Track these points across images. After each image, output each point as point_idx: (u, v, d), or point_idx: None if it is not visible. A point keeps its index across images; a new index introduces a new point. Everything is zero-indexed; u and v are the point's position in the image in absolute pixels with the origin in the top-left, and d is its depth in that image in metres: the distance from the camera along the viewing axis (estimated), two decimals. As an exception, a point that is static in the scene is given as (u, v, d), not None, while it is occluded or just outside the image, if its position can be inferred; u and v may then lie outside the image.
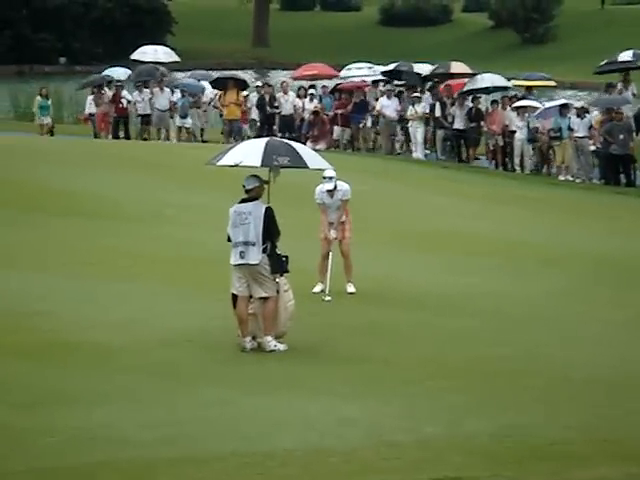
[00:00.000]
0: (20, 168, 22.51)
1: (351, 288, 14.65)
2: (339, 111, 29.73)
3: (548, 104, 27.60)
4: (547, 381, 11.10)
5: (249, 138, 28.48)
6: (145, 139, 31.15)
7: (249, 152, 12.44)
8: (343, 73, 32.27)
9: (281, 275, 12.22)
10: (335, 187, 14.53)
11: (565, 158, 26.49)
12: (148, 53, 35.53)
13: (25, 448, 8.96)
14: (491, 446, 9.10)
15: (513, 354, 12.10)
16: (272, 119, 30.37)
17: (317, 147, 26.85)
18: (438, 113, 28.51)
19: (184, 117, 31.68)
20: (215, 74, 33.80)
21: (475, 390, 10.76)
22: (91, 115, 31.46)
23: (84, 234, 17.83)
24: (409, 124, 29.05)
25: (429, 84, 30.30)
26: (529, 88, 29.97)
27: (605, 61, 30.26)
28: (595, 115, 26.72)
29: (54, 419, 9.64)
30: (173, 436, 9.23)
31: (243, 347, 12.10)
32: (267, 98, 30.53)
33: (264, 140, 12.82)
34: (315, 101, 30.32)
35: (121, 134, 31.44)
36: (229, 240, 12.26)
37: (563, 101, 27.74)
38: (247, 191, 12.21)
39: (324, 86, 31.33)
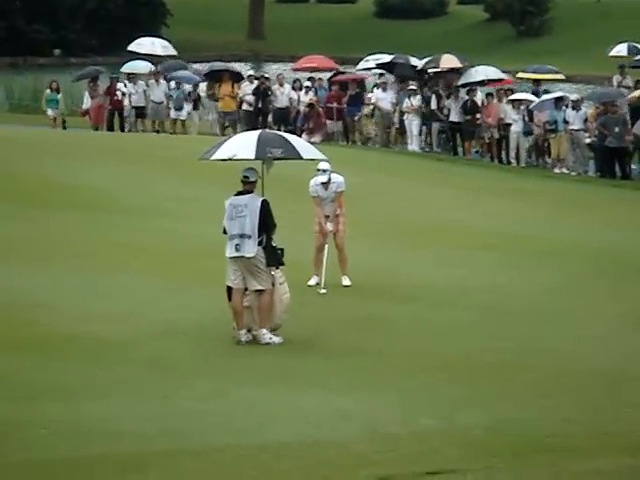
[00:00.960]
0: (17, 161, 22.47)
1: (346, 281, 14.65)
2: (330, 104, 29.66)
3: (544, 97, 27.57)
4: (544, 374, 11.10)
5: (240, 128, 28.53)
6: (143, 131, 31.10)
7: (242, 145, 12.44)
8: (361, 64, 32.04)
9: (277, 268, 12.21)
10: (329, 180, 14.53)
11: (560, 151, 26.50)
12: (145, 45, 35.37)
13: (21, 440, 8.95)
14: (486, 439, 9.11)
15: (509, 347, 12.10)
16: (266, 111, 30.31)
17: (312, 140, 26.81)
18: (434, 106, 28.48)
19: (179, 109, 31.64)
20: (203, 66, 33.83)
21: (471, 383, 10.77)
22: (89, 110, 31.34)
23: (81, 227, 17.81)
24: (405, 117, 29.03)
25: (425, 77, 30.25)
26: (537, 81, 29.67)
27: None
28: (588, 108, 26.74)
29: (50, 412, 9.64)
30: (168, 428, 9.23)
31: (238, 340, 12.10)
32: (262, 89, 30.49)
33: (256, 132, 12.84)
34: (311, 93, 30.28)
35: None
36: (225, 232, 12.25)
37: (559, 94, 27.72)
38: (249, 182, 12.18)
39: (320, 79, 31.27)
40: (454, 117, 28.24)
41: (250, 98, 30.38)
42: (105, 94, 31.30)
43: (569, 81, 31.27)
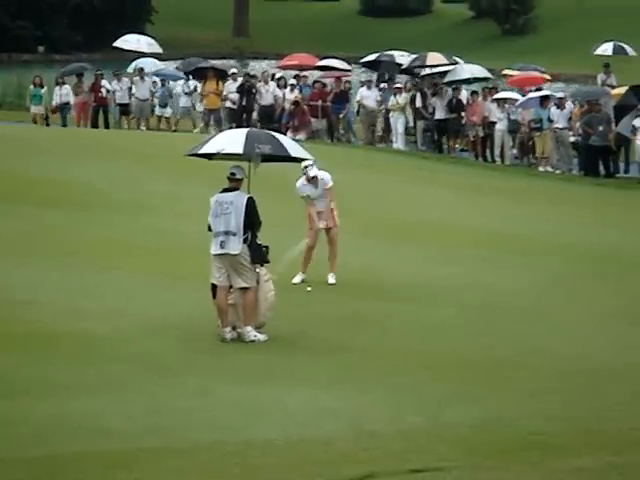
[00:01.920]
0: (2, 158, 22.39)
1: (332, 279, 14.64)
2: (313, 102, 29.65)
3: (529, 95, 27.62)
4: (530, 372, 11.13)
5: (224, 126, 28.49)
6: (127, 128, 31.06)
7: (230, 140, 12.47)
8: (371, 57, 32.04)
9: (262, 265, 12.21)
10: (315, 175, 14.53)
11: (545, 149, 26.57)
12: (130, 42, 35.31)
13: (7, 437, 8.93)
14: (472, 436, 9.13)
15: (495, 345, 12.13)
16: (250, 108, 30.27)
17: (297, 137, 26.82)
18: (419, 104, 28.51)
19: (163, 106, 31.59)
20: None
21: (457, 380, 10.79)
22: (63, 105, 31.20)
23: (67, 224, 17.77)
24: (390, 115, 29.05)
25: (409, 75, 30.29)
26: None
27: None
28: (573, 106, 26.82)
29: (36, 408, 9.62)
30: (154, 426, 9.22)
31: (223, 337, 12.09)
32: (246, 87, 30.46)
33: (245, 130, 12.87)
34: (296, 91, 30.27)
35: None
36: (210, 229, 12.24)
37: (545, 92, 27.78)
38: (236, 180, 12.16)
39: (305, 76, 31.25)
40: (439, 115, 28.29)
41: (234, 96, 30.36)
42: (90, 91, 31.24)
43: (552, 80, 31.18)
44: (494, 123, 27.38)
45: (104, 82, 31.43)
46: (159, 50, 34.88)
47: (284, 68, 33.28)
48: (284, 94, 30.33)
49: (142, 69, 31.60)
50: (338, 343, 12.09)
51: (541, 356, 11.74)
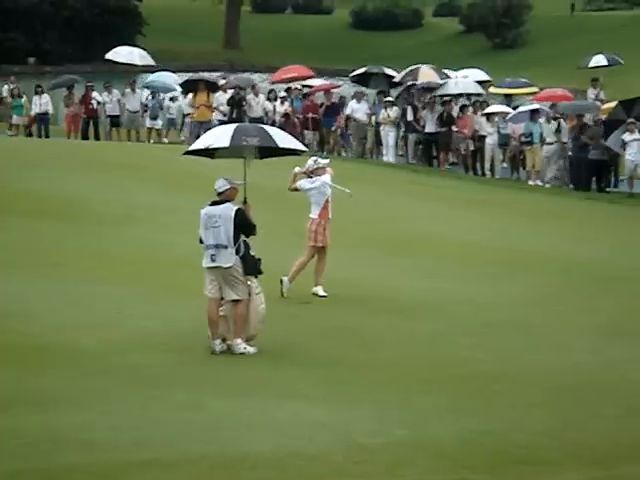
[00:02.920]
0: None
1: (322, 292, 14.63)
2: (310, 115, 29.70)
3: (520, 108, 27.70)
4: (516, 385, 11.15)
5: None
6: (116, 140, 31.07)
7: (218, 135, 12.56)
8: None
9: (255, 277, 12.21)
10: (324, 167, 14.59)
11: (536, 163, 26.64)
12: (122, 54, 35.29)
13: (-6, 450, 8.90)
14: (460, 450, 9.13)
15: (482, 358, 12.14)
16: (240, 120, 30.26)
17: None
18: (410, 117, 28.57)
19: (154, 118, 31.62)
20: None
21: (444, 394, 10.79)
22: (41, 115, 31.17)
23: (55, 235, 17.74)
24: (381, 128, 29.12)
25: (400, 88, 30.36)
26: (508, 96, 29.60)
27: None
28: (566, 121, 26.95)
29: (24, 421, 9.58)
30: (143, 439, 9.20)
31: (213, 349, 12.08)
32: (237, 99, 30.50)
33: (234, 125, 12.96)
34: (286, 104, 30.31)
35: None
36: (201, 242, 12.24)
37: (535, 106, 27.86)
38: (218, 194, 12.21)
39: (296, 88, 31.31)
40: (430, 128, 28.35)
41: (225, 108, 30.39)
42: (80, 103, 31.24)
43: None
44: (484, 137, 27.47)
45: (94, 94, 31.45)
46: (152, 62, 34.88)
47: (279, 82, 33.23)
48: (274, 107, 30.38)
49: (134, 81, 31.61)
50: (328, 356, 12.09)
51: (528, 370, 11.75)
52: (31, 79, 40.99)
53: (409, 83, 29.69)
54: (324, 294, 14.57)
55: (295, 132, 29.37)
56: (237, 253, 12.03)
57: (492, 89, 30.48)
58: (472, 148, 27.91)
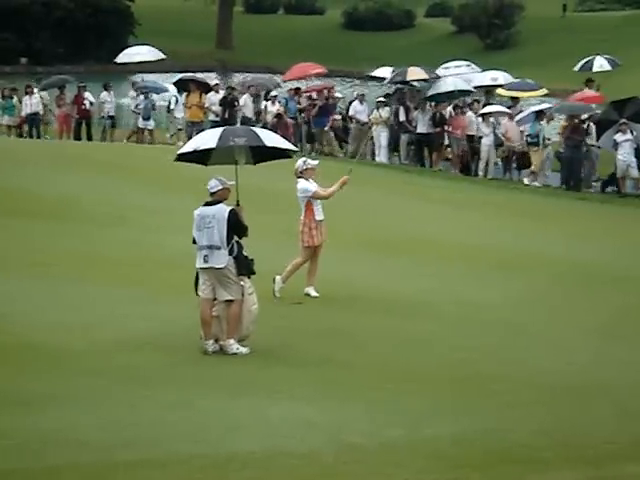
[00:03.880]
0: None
1: (315, 292, 14.61)
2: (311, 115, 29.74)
3: (526, 110, 27.52)
4: (510, 386, 11.13)
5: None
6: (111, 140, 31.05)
7: (206, 137, 12.61)
8: (440, 72, 31.99)
9: (248, 277, 12.19)
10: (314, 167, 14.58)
11: (540, 164, 26.59)
12: (132, 55, 35.11)
13: (-17, 451, 8.86)
14: (453, 450, 9.11)
15: (476, 358, 12.12)
16: (233, 121, 30.25)
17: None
18: (402, 117, 28.57)
19: (147, 119, 31.57)
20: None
21: (437, 394, 10.78)
22: (32, 115, 31.12)
23: (46, 236, 17.70)
24: (373, 128, 29.11)
25: (393, 88, 30.37)
26: (515, 99, 28.96)
27: None
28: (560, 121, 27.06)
29: (14, 422, 9.54)
30: (133, 439, 9.17)
31: (205, 350, 12.06)
32: (229, 99, 30.48)
33: (222, 127, 13.02)
34: (277, 104, 30.29)
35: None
36: (195, 242, 12.22)
37: (543, 106, 27.76)
38: (211, 194, 12.19)
39: (291, 89, 31.27)
40: (422, 129, 28.35)
41: (217, 108, 30.36)
42: (72, 103, 31.19)
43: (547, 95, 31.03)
44: (480, 137, 27.46)
45: (87, 94, 31.39)
46: (162, 55, 34.64)
47: (294, 80, 33.14)
48: (266, 107, 30.35)
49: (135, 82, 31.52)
50: (320, 356, 12.07)
51: (521, 370, 11.74)
52: (23, 79, 40.88)
53: (400, 85, 29.71)
54: (316, 295, 14.55)
55: (287, 133, 29.37)
56: (230, 253, 12.01)
57: (500, 91, 29.80)
58: (465, 149, 27.90)
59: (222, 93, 30.72)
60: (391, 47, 65.03)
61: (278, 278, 14.43)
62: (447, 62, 32.10)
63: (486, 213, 22.19)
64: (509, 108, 28.20)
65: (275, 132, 29.34)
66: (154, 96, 31.81)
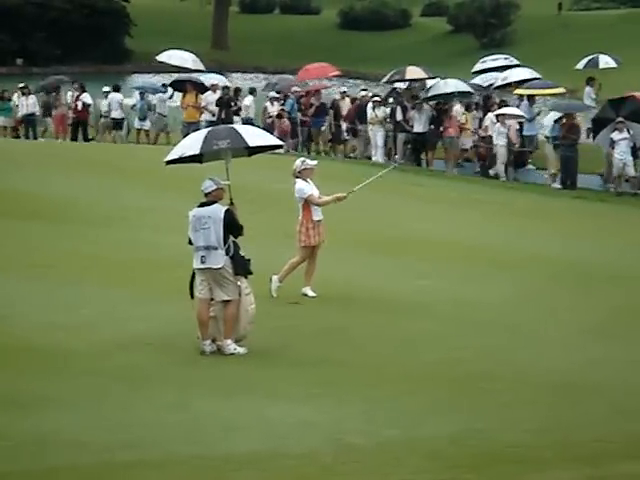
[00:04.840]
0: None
1: (312, 292, 14.62)
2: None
3: (552, 114, 27.21)
4: (506, 385, 11.15)
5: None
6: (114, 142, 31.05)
7: (190, 143, 12.65)
8: (478, 66, 31.84)
9: (245, 277, 12.20)
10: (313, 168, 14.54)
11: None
12: (175, 57, 35.11)
13: (-20, 453, 8.88)
14: (450, 450, 9.13)
15: (472, 358, 12.15)
16: (229, 121, 30.24)
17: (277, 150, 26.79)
18: (399, 117, 28.58)
19: (143, 119, 31.58)
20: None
21: (435, 394, 10.80)
22: (28, 116, 31.12)
23: (43, 237, 17.71)
24: (369, 128, 29.12)
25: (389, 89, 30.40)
26: (531, 97, 28.67)
27: None
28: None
29: (11, 423, 9.56)
30: (132, 439, 9.19)
31: (203, 350, 12.07)
32: (225, 100, 30.49)
33: (207, 129, 13.04)
34: (276, 104, 30.28)
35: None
36: (190, 243, 12.23)
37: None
38: (206, 194, 12.21)
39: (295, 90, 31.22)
40: (418, 128, 28.37)
41: (213, 108, 30.36)
42: (71, 103, 31.21)
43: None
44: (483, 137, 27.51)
45: (84, 95, 31.39)
46: (202, 67, 34.68)
47: (307, 79, 33.17)
48: (265, 107, 30.37)
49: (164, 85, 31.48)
50: (317, 356, 12.09)
51: (518, 369, 11.77)
52: (19, 80, 40.89)
53: (396, 85, 29.73)
54: (313, 294, 14.56)
55: (285, 132, 29.32)
56: (227, 254, 12.03)
57: (517, 89, 29.31)
58: (467, 148, 27.96)
59: (219, 93, 30.72)
60: (387, 47, 65.06)
61: (275, 278, 14.45)
62: (485, 56, 32.09)
63: (483, 212, 22.21)
64: (517, 106, 28.14)
65: (270, 131, 29.55)
66: (150, 96, 31.83)
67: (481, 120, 28.34)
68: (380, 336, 13.01)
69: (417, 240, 18.88)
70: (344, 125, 29.86)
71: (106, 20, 65.59)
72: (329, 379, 11.23)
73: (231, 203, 12.54)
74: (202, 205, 12.19)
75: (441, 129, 27.97)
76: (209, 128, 13.44)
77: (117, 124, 31.56)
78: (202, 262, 12.05)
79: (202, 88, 30.99)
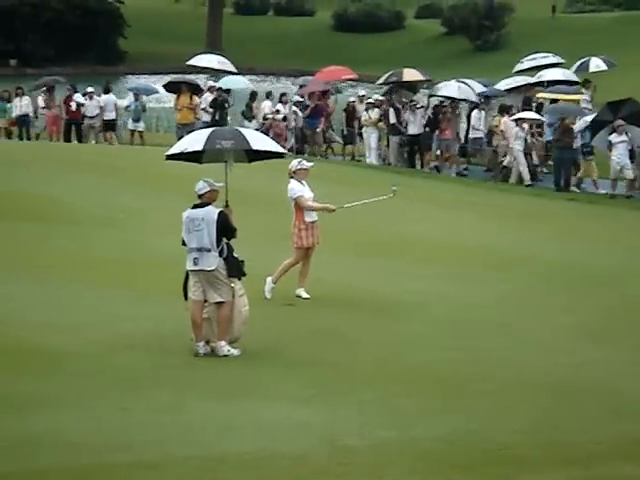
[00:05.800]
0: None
1: (306, 294, 14.63)
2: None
3: (584, 119, 26.96)
4: (498, 386, 11.18)
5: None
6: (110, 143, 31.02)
7: (193, 140, 12.65)
8: (525, 64, 31.66)
9: (239, 279, 12.21)
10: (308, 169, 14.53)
11: (592, 173, 26.46)
12: (204, 60, 35.24)
13: (-25, 453, 8.87)
14: (443, 450, 9.16)
15: (465, 359, 12.17)
16: (223, 123, 30.25)
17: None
18: (393, 119, 28.61)
19: (137, 121, 31.57)
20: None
21: (427, 395, 10.82)
22: (22, 117, 31.10)
23: (37, 237, 17.70)
24: (363, 130, 29.15)
25: (383, 89, 30.44)
26: (555, 101, 28.36)
27: None
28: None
29: (4, 424, 9.56)
30: (127, 441, 9.19)
31: (196, 352, 12.08)
32: (220, 101, 30.49)
33: (211, 129, 13.03)
34: (279, 106, 30.26)
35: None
36: (184, 244, 12.23)
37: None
38: (199, 196, 12.21)
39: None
40: (412, 130, 28.40)
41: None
42: (63, 104, 31.18)
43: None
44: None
45: (76, 96, 31.38)
46: (232, 68, 34.71)
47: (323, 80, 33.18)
48: (278, 111, 30.31)
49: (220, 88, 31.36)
50: (311, 357, 12.10)
51: (511, 371, 11.79)
52: (13, 81, 40.86)
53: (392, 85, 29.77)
54: (307, 296, 14.57)
55: (281, 134, 29.29)
56: (220, 255, 12.03)
57: (541, 94, 29.02)
58: (455, 151, 28.01)
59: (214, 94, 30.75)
60: (381, 48, 65.08)
61: (269, 279, 14.46)
62: (532, 53, 32.06)
63: (477, 214, 22.23)
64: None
65: (266, 134, 29.55)
66: (144, 97, 31.85)
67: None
68: (374, 337, 13.03)
69: (412, 242, 18.90)
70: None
71: (100, 21, 65.55)
72: (323, 380, 11.24)
73: (226, 205, 12.55)
74: (196, 207, 12.19)
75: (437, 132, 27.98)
76: (214, 127, 13.44)
77: (109, 125, 31.51)
78: (195, 264, 12.05)
79: (196, 89, 30.99)
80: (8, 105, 31.42)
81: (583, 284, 16.24)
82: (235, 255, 12.13)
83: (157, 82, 36.20)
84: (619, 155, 25.06)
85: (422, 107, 28.48)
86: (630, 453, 9.23)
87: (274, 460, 8.86)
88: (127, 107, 31.86)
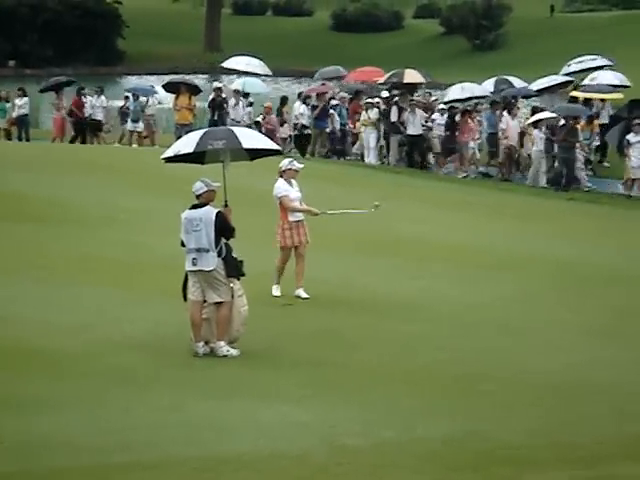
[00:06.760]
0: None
1: (304, 294, 14.61)
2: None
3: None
4: (501, 386, 11.16)
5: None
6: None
7: (186, 142, 12.64)
8: (572, 67, 31.43)
9: (238, 279, 12.19)
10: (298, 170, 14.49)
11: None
12: (241, 63, 35.17)
13: (-24, 454, 8.86)
14: (445, 451, 9.13)
15: (467, 359, 12.15)
16: (222, 123, 30.21)
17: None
18: (394, 118, 28.56)
19: (136, 121, 31.54)
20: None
21: (429, 395, 10.80)
22: (21, 117, 31.07)
23: (37, 238, 17.68)
24: (362, 130, 29.11)
25: (384, 92, 30.37)
26: (588, 100, 28.08)
27: None
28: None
29: (6, 425, 9.54)
30: (127, 441, 9.17)
31: (196, 352, 12.06)
32: (218, 101, 30.45)
33: (204, 130, 13.02)
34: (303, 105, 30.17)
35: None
36: (183, 245, 12.22)
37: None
38: (197, 197, 12.19)
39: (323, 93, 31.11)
40: (412, 130, 28.37)
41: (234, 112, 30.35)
42: (71, 105, 31.15)
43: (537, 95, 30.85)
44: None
45: (89, 98, 31.39)
46: (269, 72, 34.71)
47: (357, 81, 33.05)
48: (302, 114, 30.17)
49: (238, 90, 31.28)
50: (311, 357, 12.08)
51: (513, 370, 11.77)
52: (12, 82, 40.90)
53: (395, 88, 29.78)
54: (306, 296, 14.55)
55: (274, 135, 29.21)
56: (219, 255, 12.01)
57: (576, 93, 28.50)
58: (471, 152, 27.99)
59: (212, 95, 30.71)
60: (379, 48, 65.11)
61: (274, 287, 14.48)
62: (578, 56, 31.53)
63: (477, 214, 22.22)
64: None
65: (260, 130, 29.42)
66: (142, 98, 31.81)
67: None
68: (374, 337, 13.01)
69: (412, 241, 18.89)
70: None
71: (99, 22, 65.59)
72: (323, 380, 11.22)
73: (225, 205, 12.53)
74: (194, 207, 12.17)
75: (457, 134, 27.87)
76: (207, 128, 13.46)
77: (97, 126, 31.49)
78: (194, 264, 12.03)
79: (195, 90, 30.97)
80: (8, 105, 31.39)
81: (586, 284, 16.23)
82: (234, 255, 12.11)
83: (156, 82, 36.15)
84: (638, 155, 24.74)
85: (424, 107, 28.48)
86: (635, 453, 9.21)
87: (274, 460, 8.84)
88: (121, 107, 31.84)
